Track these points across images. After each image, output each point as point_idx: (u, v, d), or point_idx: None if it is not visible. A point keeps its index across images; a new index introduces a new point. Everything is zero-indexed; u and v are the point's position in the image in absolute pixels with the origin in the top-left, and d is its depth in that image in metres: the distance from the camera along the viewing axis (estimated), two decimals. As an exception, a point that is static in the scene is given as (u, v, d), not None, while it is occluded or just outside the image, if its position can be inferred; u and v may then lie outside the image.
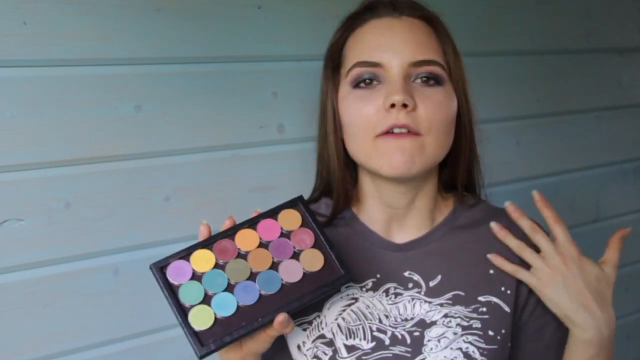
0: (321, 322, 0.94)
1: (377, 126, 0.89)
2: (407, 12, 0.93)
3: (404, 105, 0.87)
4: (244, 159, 1.26)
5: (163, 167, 1.18)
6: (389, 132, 0.88)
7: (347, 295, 0.95)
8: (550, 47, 1.67)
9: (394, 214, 0.97)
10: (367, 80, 0.91)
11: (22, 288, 1.08)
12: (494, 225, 0.97)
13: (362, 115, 0.90)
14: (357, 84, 0.91)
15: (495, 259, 0.96)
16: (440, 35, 0.94)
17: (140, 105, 1.14)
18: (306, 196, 1.05)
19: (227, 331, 0.82)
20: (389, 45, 0.90)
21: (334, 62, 0.96)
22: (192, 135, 1.20)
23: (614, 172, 1.88)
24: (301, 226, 0.90)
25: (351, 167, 0.99)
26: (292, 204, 0.91)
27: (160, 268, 0.85)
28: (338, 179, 0.96)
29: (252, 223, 0.89)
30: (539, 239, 0.95)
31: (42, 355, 1.10)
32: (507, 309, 0.95)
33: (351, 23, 0.96)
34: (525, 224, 0.96)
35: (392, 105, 0.87)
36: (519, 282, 0.97)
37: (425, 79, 0.90)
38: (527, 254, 0.94)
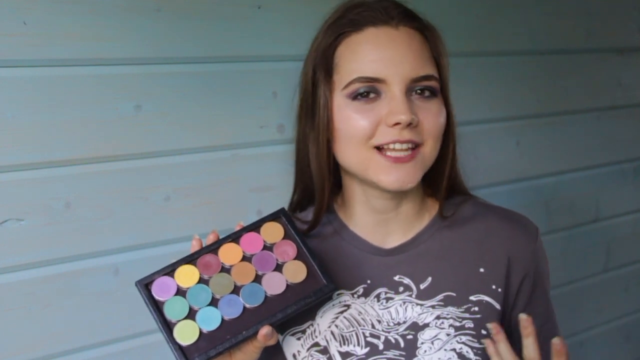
0: (315, 331, 0.94)
1: (375, 138, 0.89)
2: (404, 21, 0.91)
3: (409, 124, 0.87)
4: (244, 159, 1.26)
5: (163, 167, 1.18)
6: (388, 149, 0.88)
7: (339, 302, 0.95)
8: (550, 47, 1.67)
9: (382, 218, 0.97)
10: (366, 94, 0.90)
11: (22, 288, 1.08)
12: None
13: (360, 127, 0.89)
14: (355, 97, 0.90)
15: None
16: (434, 46, 0.93)
17: (140, 105, 1.14)
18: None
19: (211, 345, 0.83)
20: (391, 59, 0.89)
21: (326, 66, 0.93)
22: (192, 135, 1.20)
23: (613, 172, 1.88)
24: (284, 238, 0.91)
25: (334, 171, 0.97)
26: (274, 216, 0.92)
27: (145, 285, 0.86)
28: (320, 186, 0.95)
29: (235, 237, 0.90)
30: None
31: (42, 355, 1.10)
32: (497, 306, 0.96)
33: (343, 28, 0.93)
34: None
35: (397, 123, 0.87)
36: (508, 280, 0.97)
37: (422, 91, 0.90)
38: None
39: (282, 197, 1.17)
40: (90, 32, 1.09)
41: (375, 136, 0.89)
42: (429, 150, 0.91)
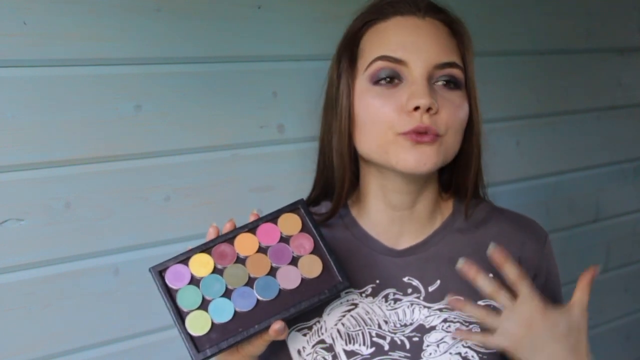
0: (321, 328, 0.94)
1: (398, 126, 0.87)
2: (431, 13, 0.92)
3: (428, 109, 0.86)
4: (244, 159, 1.26)
5: (163, 167, 1.18)
6: (411, 132, 0.87)
7: (347, 301, 0.95)
8: (550, 47, 1.67)
9: (396, 216, 0.96)
10: (388, 79, 0.89)
11: (22, 288, 1.08)
12: (462, 263, 0.89)
13: (382, 113, 0.88)
14: (377, 81, 0.89)
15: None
16: (461, 39, 0.93)
17: (140, 105, 1.14)
18: (305, 195, 1.05)
19: (223, 337, 0.83)
20: (415, 44, 0.89)
21: (351, 54, 0.93)
22: (192, 135, 1.20)
23: (613, 172, 1.88)
24: (301, 231, 0.89)
25: (354, 166, 0.97)
26: (292, 207, 0.90)
27: (159, 272, 0.85)
28: (341, 175, 0.95)
29: (252, 227, 0.89)
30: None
31: (42, 355, 1.11)
32: None
33: (371, 16, 0.93)
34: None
35: (416, 108, 0.86)
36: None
37: (445, 82, 0.89)
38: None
39: (282, 197, 1.17)
40: (90, 32, 1.09)
41: (396, 124, 0.87)
42: (450, 142, 0.89)
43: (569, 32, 1.70)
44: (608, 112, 1.83)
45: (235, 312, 0.84)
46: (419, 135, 0.87)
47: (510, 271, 0.88)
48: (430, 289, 0.95)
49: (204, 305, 0.84)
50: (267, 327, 0.83)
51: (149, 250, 1.18)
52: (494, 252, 0.88)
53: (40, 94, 1.06)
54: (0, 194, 1.05)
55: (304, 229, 0.90)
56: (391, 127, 0.88)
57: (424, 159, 0.87)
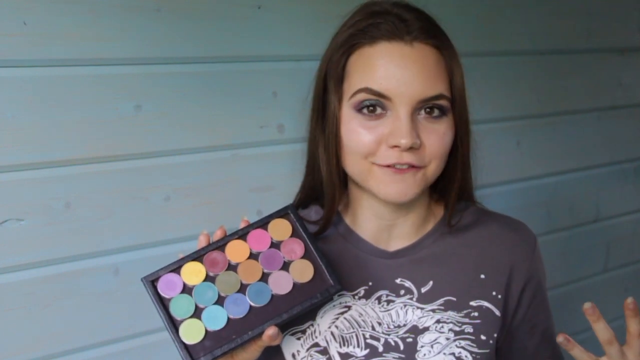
0: (315, 331, 0.94)
1: (377, 157, 0.88)
2: (420, 37, 0.88)
3: (410, 147, 0.86)
4: (244, 159, 1.26)
5: (163, 167, 1.18)
6: (389, 166, 0.88)
7: (340, 303, 0.95)
8: (550, 47, 1.67)
9: (386, 224, 0.97)
10: (371, 108, 0.88)
11: (22, 288, 1.08)
12: (588, 306, 0.86)
13: (363, 142, 0.88)
14: (360, 109, 0.89)
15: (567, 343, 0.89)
16: (449, 64, 0.90)
17: (140, 105, 1.14)
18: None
19: (217, 345, 0.83)
20: (400, 78, 0.87)
21: (337, 75, 0.92)
22: (192, 135, 1.20)
23: (614, 172, 1.88)
24: (291, 236, 0.90)
25: (342, 173, 0.96)
26: (282, 213, 0.91)
27: (151, 282, 0.86)
28: (331, 194, 0.94)
29: (242, 234, 0.89)
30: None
31: (42, 355, 1.11)
32: (497, 313, 0.96)
33: (356, 39, 0.91)
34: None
35: (397, 146, 0.86)
36: (509, 287, 0.97)
37: (429, 111, 0.88)
38: None
39: (282, 197, 1.17)
40: (90, 32, 1.09)
41: (377, 155, 0.88)
42: (432, 170, 0.90)
43: (569, 32, 1.70)
44: (608, 112, 1.83)
45: (229, 319, 0.84)
46: (398, 170, 0.87)
47: (633, 326, 0.87)
48: (423, 290, 0.95)
49: (197, 313, 0.85)
50: (261, 333, 0.83)
51: (149, 250, 1.18)
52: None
53: (40, 94, 1.06)
54: (0, 194, 1.05)
55: (295, 234, 0.90)
56: (370, 156, 0.88)
57: (405, 189, 0.88)
